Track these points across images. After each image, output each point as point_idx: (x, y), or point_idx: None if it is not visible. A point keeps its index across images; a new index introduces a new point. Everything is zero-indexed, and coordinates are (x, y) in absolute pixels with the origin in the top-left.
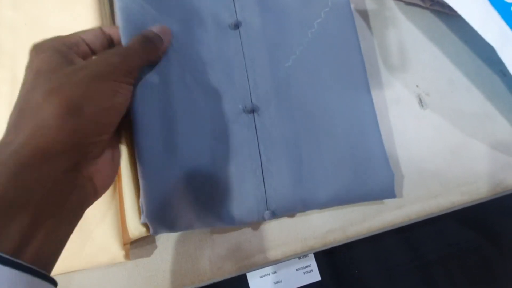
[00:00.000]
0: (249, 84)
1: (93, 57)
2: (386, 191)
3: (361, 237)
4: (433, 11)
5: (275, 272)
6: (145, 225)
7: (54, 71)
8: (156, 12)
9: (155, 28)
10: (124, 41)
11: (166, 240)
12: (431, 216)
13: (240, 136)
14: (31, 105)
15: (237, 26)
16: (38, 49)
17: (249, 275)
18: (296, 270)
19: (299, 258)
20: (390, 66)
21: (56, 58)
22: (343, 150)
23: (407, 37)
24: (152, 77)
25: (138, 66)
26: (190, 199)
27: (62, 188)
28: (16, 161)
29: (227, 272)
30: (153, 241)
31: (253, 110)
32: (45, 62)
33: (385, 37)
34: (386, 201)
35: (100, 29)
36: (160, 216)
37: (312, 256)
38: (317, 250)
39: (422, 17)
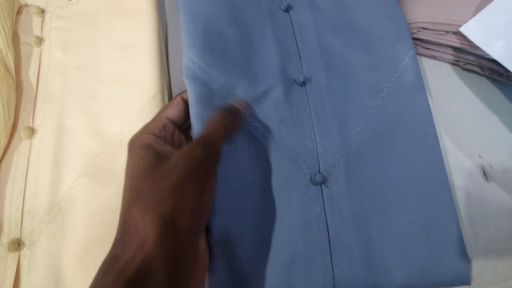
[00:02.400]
0: (317, 150)
1: (179, 152)
2: (461, 277)
3: None
4: (491, 79)
5: None
6: None
7: (146, 179)
8: (224, 78)
9: (235, 103)
10: (193, 118)
11: None
12: None
13: (307, 211)
14: (132, 222)
15: (304, 82)
16: (131, 150)
17: None
18: None
19: None
20: (451, 133)
21: (146, 161)
22: (417, 229)
23: (466, 103)
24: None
25: (222, 149)
26: (254, 283)
27: None
28: (125, 279)
29: None
30: None
31: (321, 182)
32: (137, 166)
33: (444, 102)
34: None
35: (181, 98)
36: None
37: None
38: None
39: (480, 84)
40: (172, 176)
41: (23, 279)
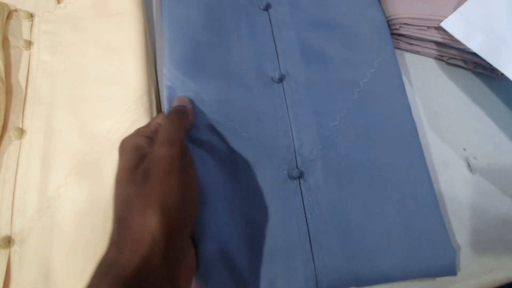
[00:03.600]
0: (294, 144)
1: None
2: (446, 268)
3: None
4: (475, 73)
5: None
6: None
7: (130, 183)
8: (196, 86)
9: (174, 102)
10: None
11: None
12: None
13: (286, 205)
14: (126, 226)
15: (280, 79)
16: (121, 150)
17: None
18: None
19: None
20: (435, 127)
21: (130, 162)
22: (397, 220)
23: (450, 97)
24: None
25: (181, 142)
26: (237, 276)
27: None
28: (123, 280)
29: None
30: None
31: (299, 176)
32: (122, 170)
33: (428, 96)
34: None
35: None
36: None
37: None
38: None
39: (464, 78)
40: (151, 178)
41: (14, 275)
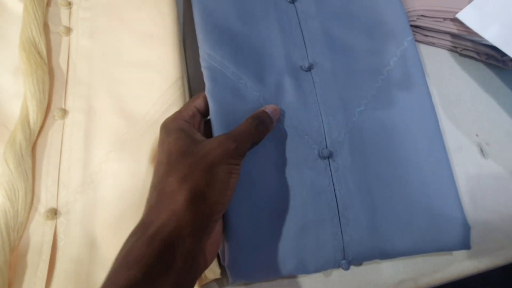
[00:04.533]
0: (323, 127)
1: (214, 139)
2: (461, 242)
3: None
4: (487, 64)
5: None
6: (219, 268)
7: (184, 156)
8: (234, 67)
9: (268, 109)
10: (211, 103)
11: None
12: (497, 267)
13: (317, 182)
14: (168, 190)
15: (309, 68)
16: (167, 131)
17: None
18: None
19: None
20: (450, 114)
21: (183, 141)
22: (417, 198)
23: (464, 87)
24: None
25: (250, 147)
26: (269, 248)
27: (188, 262)
28: (159, 240)
29: None
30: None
31: (328, 156)
32: (175, 144)
33: (442, 86)
34: (455, 252)
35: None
36: (239, 266)
37: None
38: None
39: (477, 69)
40: (207, 158)
41: (60, 244)
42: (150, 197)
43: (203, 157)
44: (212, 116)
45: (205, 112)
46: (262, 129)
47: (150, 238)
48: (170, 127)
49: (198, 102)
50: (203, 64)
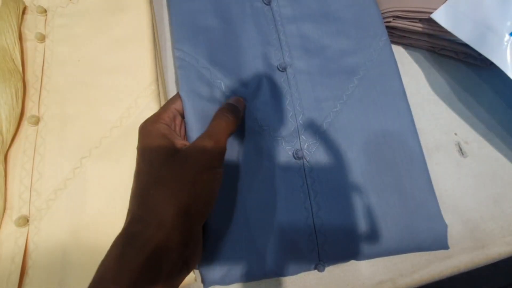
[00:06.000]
0: (298, 129)
1: (193, 145)
2: (439, 242)
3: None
4: (465, 63)
5: None
6: (193, 272)
7: (166, 166)
8: (209, 65)
9: (231, 100)
10: (185, 101)
11: None
12: (478, 267)
13: (291, 183)
14: (153, 203)
15: (284, 68)
16: (146, 135)
17: None
18: None
19: None
20: (429, 113)
21: (164, 149)
22: (393, 198)
23: (442, 86)
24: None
25: (226, 142)
26: (243, 251)
27: (173, 272)
28: (147, 252)
29: None
30: None
31: (302, 157)
32: (156, 152)
33: (421, 85)
34: (434, 252)
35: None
36: (214, 269)
37: None
38: None
39: (455, 68)
40: (191, 168)
41: (32, 253)
42: (133, 207)
43: (187, 167)
44: (186, 116)
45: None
46: (234, 118)
47: (136, 251)
48: (150, 131)
49: (178, 104)
50: (177, 62)
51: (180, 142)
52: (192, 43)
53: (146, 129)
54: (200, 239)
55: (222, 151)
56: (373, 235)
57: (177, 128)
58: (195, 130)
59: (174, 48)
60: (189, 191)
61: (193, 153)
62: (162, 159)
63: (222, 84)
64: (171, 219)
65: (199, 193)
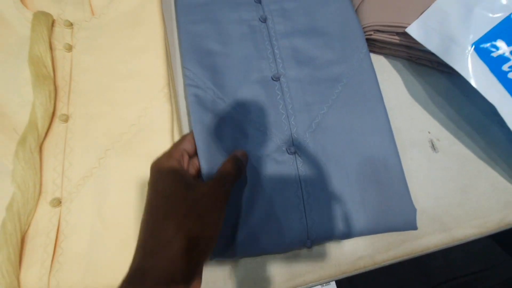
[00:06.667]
0: (290, 128)
1: (205, 184)
2: (409, 223)
3: (387, 263)
4: (439, 71)
5: None
6: None
7: (179, 202)
8: (212, 84)
9: (238, 153)
10: (193, 115)
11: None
12: (446, 247)
13: (285, 174)
14: (165, 238)
15: (277, 78)
16: (159, 171)
17: None
18: None
19: (322, 286)
20: (405, 114)
21: (177, 185)
22: (371, 187)
23: (418, 90)
24: (211, 123)
25: (231, 189)
26: (244, 229)
27: None
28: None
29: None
30: None
31: (295, 152)
32: (170, 188)
33: (399, 91)
34: (406, 232)
35: (191, 134)
36: (219, 244)
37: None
38: (349, 274)
39: (430, 75)
40: (201, 205)
41: (64, 230)
42: (145, 241)
43: (197, 203)
44: (194, 129)
45: (192, 152)
46: (240, 171)
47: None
48: (163, 167)
49: (185, 144)
50: (187, 81)
51: (190, 178)
52: (198, 65)
53: (159, 165)
54: (202, 271)
55: (228, 195)
56: (353, 217)
57: (185, 165)
58: (201, 140)
59: (183, 66)
60: (197, 224)
61: (204, 189)
62: (175, 194)
63: (224, 100)
64: (178, 253)
65: (207, 228)
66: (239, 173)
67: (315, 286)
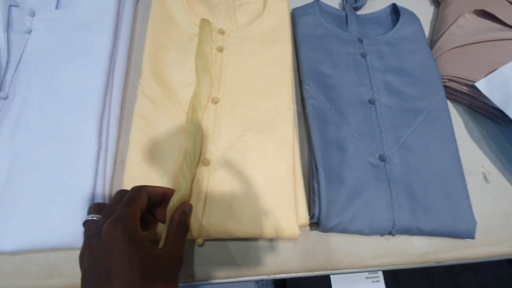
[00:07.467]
0: (382, 141)
1: (163, 255)
2: (469, 232)
3: (445, 263)
4: (493, 120)
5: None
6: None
7: (151, 276)
8: (325, 99)
9: (185, 207)
10: (312, 121)
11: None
12: (493, 259)
13: (378, 177)
14: None
15: (373, 102)
16: (130, 239)
17: (332, 278)
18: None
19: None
20: (464, 150)
21: (146, 261)
22: (442, 197)
23: (475, 133)
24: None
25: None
26: (349, 212)
27: None
28: None
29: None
30: None
31: (385, 159)
32: (141, 264)
33: (460, 130)
34: (462, 241)
35: (146, 191)
36: (329, 220)
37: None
38: (416, 266)
39: (485, 121)
40: (166, 274)
41: (212, 183)
42: None
43: (162, 273)
44: (313, 136)
45: (144, 207)
46: (186, 231)
47: None
48: (134, 238)
49: (141, 203)
50: (305, 93)
51: (149, 245)
52: (315, 83)
53: (130, 235)
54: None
55: (182, 261)
56: (427, 220)
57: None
58: (316, 134)
59: (303, 82)
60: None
61: (165, 263)
62: (147, 271)
63: (333, 112)
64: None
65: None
66: (185, 232)
67: (364, 272)
